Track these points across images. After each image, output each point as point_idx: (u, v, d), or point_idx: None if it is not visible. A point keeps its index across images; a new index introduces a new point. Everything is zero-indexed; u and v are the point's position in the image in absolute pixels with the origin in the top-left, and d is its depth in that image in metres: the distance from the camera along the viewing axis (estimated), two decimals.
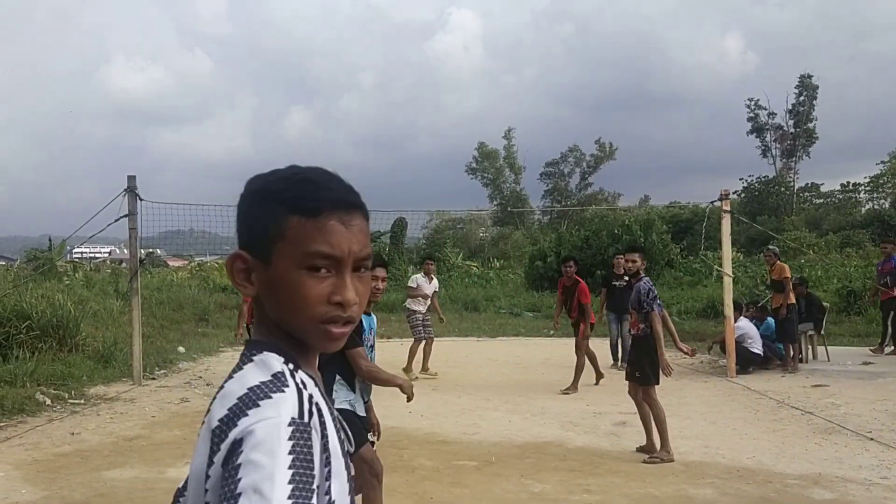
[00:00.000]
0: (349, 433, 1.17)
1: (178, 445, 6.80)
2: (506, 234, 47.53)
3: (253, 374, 1.00)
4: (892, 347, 12.00)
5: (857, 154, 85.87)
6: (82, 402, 8.81)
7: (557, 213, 47.51)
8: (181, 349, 13.31)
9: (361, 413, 4.08)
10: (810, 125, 48.11)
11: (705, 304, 18.39)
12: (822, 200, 48.21)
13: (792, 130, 48.51)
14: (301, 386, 0.99)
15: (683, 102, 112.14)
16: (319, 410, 0.99)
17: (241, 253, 1.05)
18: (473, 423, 7.77)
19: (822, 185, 48.93)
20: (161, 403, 8.88)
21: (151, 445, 6.89)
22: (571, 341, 9.92)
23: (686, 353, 6.80)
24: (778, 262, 11.35)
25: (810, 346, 11.97)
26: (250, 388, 0.96)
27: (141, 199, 10.35)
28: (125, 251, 15.09)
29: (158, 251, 46.07)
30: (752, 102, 49.55)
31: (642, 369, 6.37)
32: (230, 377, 1.02)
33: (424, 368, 10.87)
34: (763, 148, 49.64)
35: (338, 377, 3.97)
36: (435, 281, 11.34)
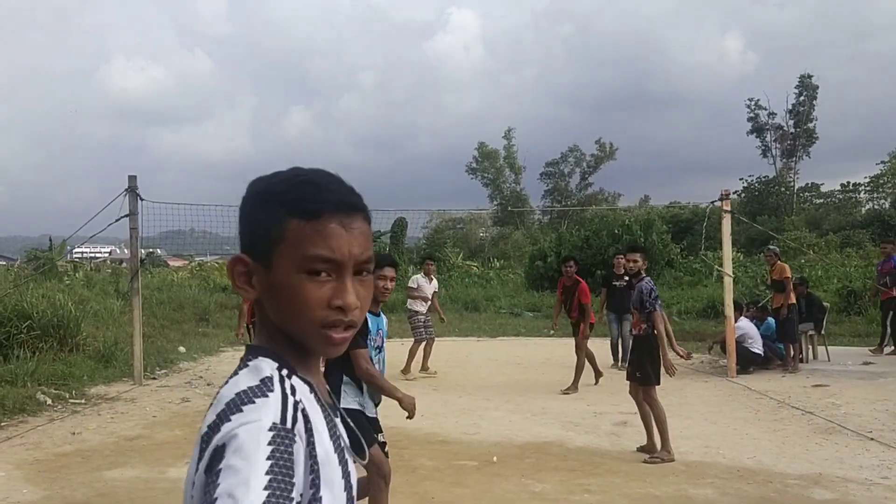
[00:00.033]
0: (361, 438, 1.15)
1: (178, 445, 6.80)
2: (506, 234, 47.55)
3: (244, 379, 0.99)
4: (893, 347, 12.00)
5: (857, 154, 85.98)
6: (83, 401, 8.81)
7: (557, 213, 47.52)
8: (182, 349, 13.32)
9: (371, 414, 4.03)
10: (810, 125, 48.12)
11: (705, 304, 18.39)
12: (822, 200, 48.24)
13: (792, 130, 48.52)
14: (288, 392, 0.98)
15: (683, 102, 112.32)
16: (306, 417, 0.97)
17: (241, 256, 1.04)
18: (474, 423, 7.78)
19: (822, 185, 49.05)
20: (162, 403, 8.89)
21: (152, 445, 6.90)
22: (572, 341, 9.92)
23: (681, 356, 6.78)
24: (778, 262, 11.36)
25: (811, 346, 11.97)
26: (237, 394, 0.96)
27: (142, 199, 10.36)
28: (125, 251, 15.11)
29: (159, 251, 46.07)
30: (753, 102, 49.62)
31: (643, 369, 6.37)
32: (225, 382, 1.02)
33: (424, 368, 10.87)
34: (763, 148, 49.69)
35: (345, 377, 3.92)
36: (434, 281, 11.33)
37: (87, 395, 9.17)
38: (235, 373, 1.03)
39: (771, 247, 12.06)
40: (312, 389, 1.04)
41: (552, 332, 10.54)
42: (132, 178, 10.29)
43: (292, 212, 0.99)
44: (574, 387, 9.49)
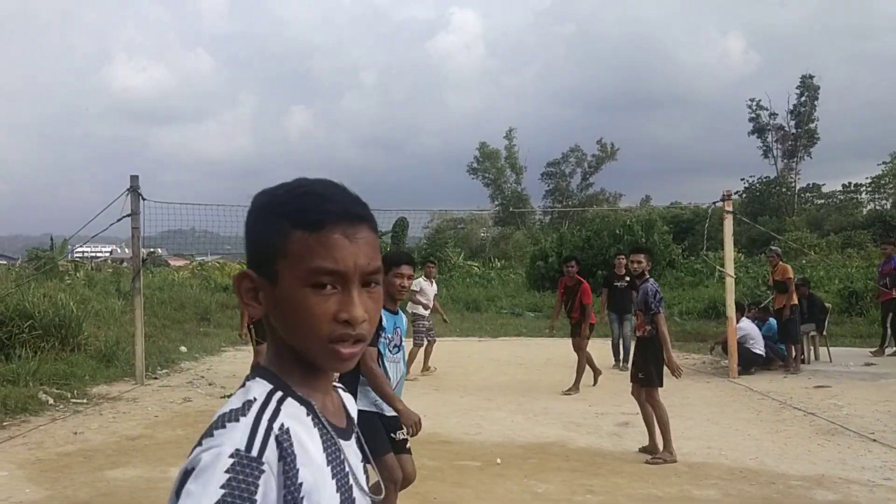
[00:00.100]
0: (366, 447, 1.12)
1: (180, 445, 6.80)
2: (507, 235, 47.56)
3: (233, 400, 0.98)
4: (894, 349, 11.99)
5: (859, 154, 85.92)
6: (85, 401, 8.81)
7: (559, 214, 47.50)
8: (183, 349, 13.33)
9: (390, 413, 3.92)
10: (812, 125, 48.16)
11: (707, 305, 18.39)
12: (823, 201, 48.26)
13: (793, 131, 48.55)
14: (266, 417, 0.94)
15: (685, 102, 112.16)
16: (284, 444, 0.93)
17: (247, 272, 1.02)
18: (476, 424, 7.77)
19: (823, 185, 49.09)
20: (163, 403, 8.89)
21: (154, 445, 6.90)
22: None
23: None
24: (780, 262, 11.35)
25: (812, 347, 11.97)
26: (219, 416, 0.95)
27: (144, 199, 10.36)
28: (126, 250, 15.12)
29: (160, 250, 46.06)
30: (754, 103, 49.70)
31: (646, 371, 6.37)
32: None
33: (425, 368, 10.87)
34: (764, 148, 49.74)
35: (361, 377, 3.84)
36: (434, 283, 11.27)
37: (89, 394, 9.17)
38: (234, 393, 1.02)
39: (773, 247, 12.05)
40: (311, 411, 1.01)
41: (553, 332, 10.54)
42: (134, 178, 10.29)
43: (295, 223, 0.97)
44: (575, 387, 9.48)
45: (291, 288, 0.97)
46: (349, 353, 0.98)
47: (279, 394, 0.99)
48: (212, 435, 0.91)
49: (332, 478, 0.98)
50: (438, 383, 10.29)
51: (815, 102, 47.99)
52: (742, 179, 47.60)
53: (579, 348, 9.56)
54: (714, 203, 11.74)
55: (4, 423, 7.57)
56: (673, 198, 61.18)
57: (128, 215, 10.21)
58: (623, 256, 11.09)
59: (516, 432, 7.37)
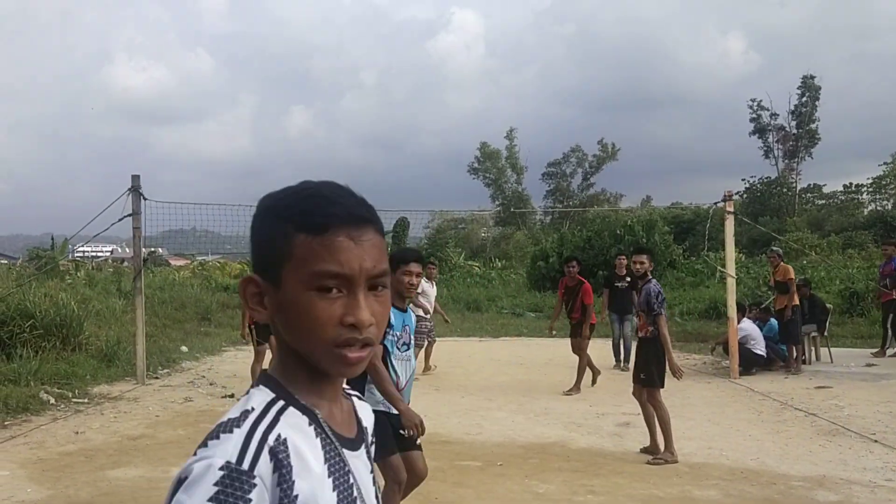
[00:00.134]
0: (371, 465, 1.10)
1: (182, 444, 6.81)
2: (508, 235, 47.53)
3: (234, 409, 0.97)
4: (895, 350, 11.99)
5: (860, 155, 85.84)
6: (86, 401, 8.82)
7: (559, 214, 47.50)
8: (184, 348, 13.34)
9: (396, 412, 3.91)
10: (812, 126, 48.06)
11: (708, 305, 18.39)
12: (824, 201, 48.18)
13: (794, 131, 48.48)
14: (262, 428, 0.92)
15: (686, 103, 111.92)
16: (280, 456, 0.91)
17: (253, 277, 1.00)
18: (477, 424, 7.78)
19: (824, 185, 48.94)
20: (165, 402, 8.90)
21: (155, 444, 6.91)
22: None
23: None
24: (782, 263, 11.35)
25: (813, 348, 11.96)
26: (218, 425, 0.94)
27: (145, 199, 10.36)
28: (127, 250, 15.12)
29: (160, 250, 46.08)
30: (755, 103, 49.57)
31: (648, 371, 6.37)
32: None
33: (426, 367, 10.87)
34: (765, 149, 49.65)
35: (368, 377, 3.83)
36: (434, 284, 11.26)
37: (90, 394, 9.18)
38: (239, 399, 1.01)
39: (774, 248, 12.05)
40: (314, 421, 0.99)
41: (554, 332, 10.54)
42: (135, 178, 10.29)
43: (299, 227, 0.96)
44: (576, 387, 9.48)
45: (296, 292, 0.95)
46: (356, 358, 0.97)
47: (280, 403, 0.97)
48: (206, 445, 0.90)
49: (334, 489, 0.97)
50: (439, 383, 10.30)
51: (817, 103, 47.89)
52: (743, 180, 47.56)
53: (579, 349, 9.56)
54: (715, 203, 11.75)
55: (6, 423, 7.58)
56: (673, 198, 61.24)
57: (129, 215, 10.22)
58: (624, 257, 11.10)
59: (517, 432, 7.38)
